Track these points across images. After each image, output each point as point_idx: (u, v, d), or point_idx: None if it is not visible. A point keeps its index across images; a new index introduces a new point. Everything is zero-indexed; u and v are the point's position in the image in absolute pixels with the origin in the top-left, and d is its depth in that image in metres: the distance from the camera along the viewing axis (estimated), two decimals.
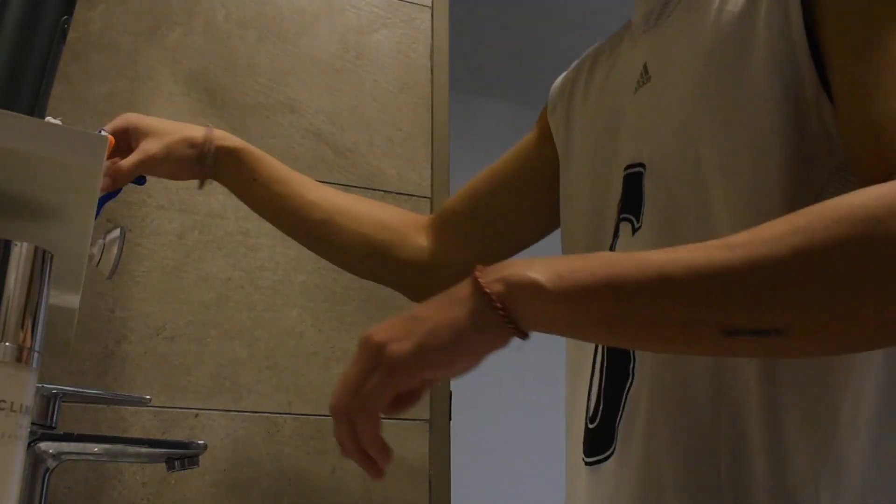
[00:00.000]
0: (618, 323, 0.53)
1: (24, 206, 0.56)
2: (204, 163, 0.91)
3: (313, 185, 0.95)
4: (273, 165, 0.94)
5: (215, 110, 1.30)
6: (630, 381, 0.67)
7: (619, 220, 0.71)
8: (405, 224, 0.94)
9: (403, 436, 1.27)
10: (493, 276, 0.53)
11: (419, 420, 1.29)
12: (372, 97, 1.42)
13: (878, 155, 0.53)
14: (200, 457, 0.96)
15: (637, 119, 0.71)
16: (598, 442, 0.69)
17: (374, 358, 0.55)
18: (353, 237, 0.92)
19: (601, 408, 0.70)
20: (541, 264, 0.53)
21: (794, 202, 0.58)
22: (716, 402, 0.61)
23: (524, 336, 0.53)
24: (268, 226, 1.29)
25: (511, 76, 3.11)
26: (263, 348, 1.23)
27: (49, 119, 0.65)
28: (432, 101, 1.46)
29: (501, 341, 0.53)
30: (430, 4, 1.52)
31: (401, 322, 0.55)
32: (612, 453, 0.67)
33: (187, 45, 1.32)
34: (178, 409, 1.16)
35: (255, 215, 1.28)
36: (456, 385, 1.29)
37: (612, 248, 0.72)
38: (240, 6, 1.37)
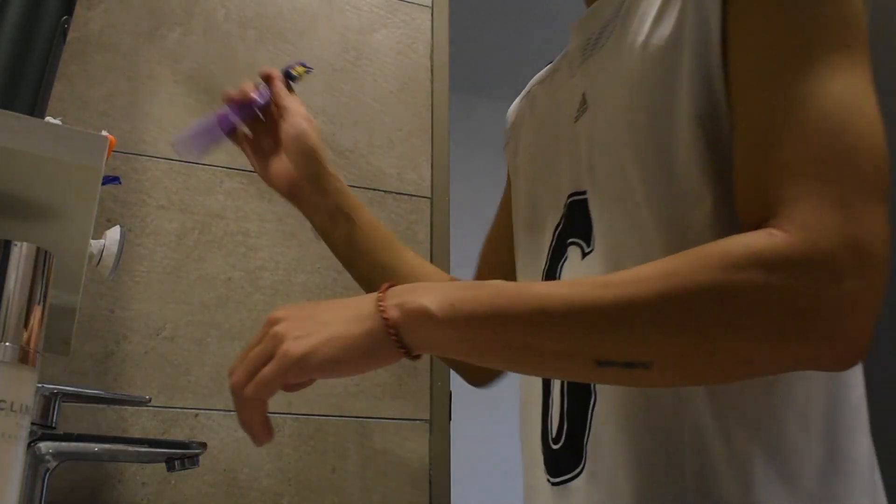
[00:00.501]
0: (500, 349, 0.57)
1: (24, 206, 0.56)
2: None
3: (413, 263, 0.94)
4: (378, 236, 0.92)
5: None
6: (594, 399, 0.69)
7: (568, 244, 0.74)
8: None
9: (403, 436, 1.27)
10: (392, 300, 0.58)
11: (419, 420, 1.29)
12: (372, 97, 1.42)
13: (755, 201, 0.56)
14: (200, 457, 0.96)
15: (577, 147, 0.73)
16: (564, 462, 0.71)
17: (271, 348, 0.60)
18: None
19: (565, 428, 0.72)
20: (435, 293, 0.58)
21: (716, 228, 0.61)
22: (678, 416, 0.63)
23: (415, 358, 0.58)
24: (268, 226, 1.29)
25: (511, 76, 3.10)
26: None
27: (49, 119, 0.65)
28: (432, 101, 1.46)
29: (392, 360, 0.58)
30: (430, 4, 1.52)
31: (305, 316, 0.60)
32: (581, 471, 0.69)
33: (187, 45, 1.32)
34: (178, 409, 1.16)
35: (255, 215, 1.28)
36: (456, 385, 1.29)
37: (558, 271, 0.75)
38: (240, 6, 1.37)
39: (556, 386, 0.74)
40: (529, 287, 0.58)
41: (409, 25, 1.49)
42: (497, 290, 0.58)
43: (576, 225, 0.73)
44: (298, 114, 0.87)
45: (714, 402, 0.61)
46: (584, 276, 0.59)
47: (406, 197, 1.39)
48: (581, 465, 0.69)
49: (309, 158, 0.87)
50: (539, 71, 0.89)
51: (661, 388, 0.64)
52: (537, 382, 0.77)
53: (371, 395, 1.27)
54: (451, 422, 1.32)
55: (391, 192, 1.38)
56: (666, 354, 0.55)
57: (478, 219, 1.32)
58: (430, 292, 0.57)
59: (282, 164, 0.88)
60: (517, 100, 0.91)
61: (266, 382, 0.60)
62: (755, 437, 0.61)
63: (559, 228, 0.75)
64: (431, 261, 1.37)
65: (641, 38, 0.66)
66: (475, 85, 3.14)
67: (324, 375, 0.58)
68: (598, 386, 0.69)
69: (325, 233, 0.91)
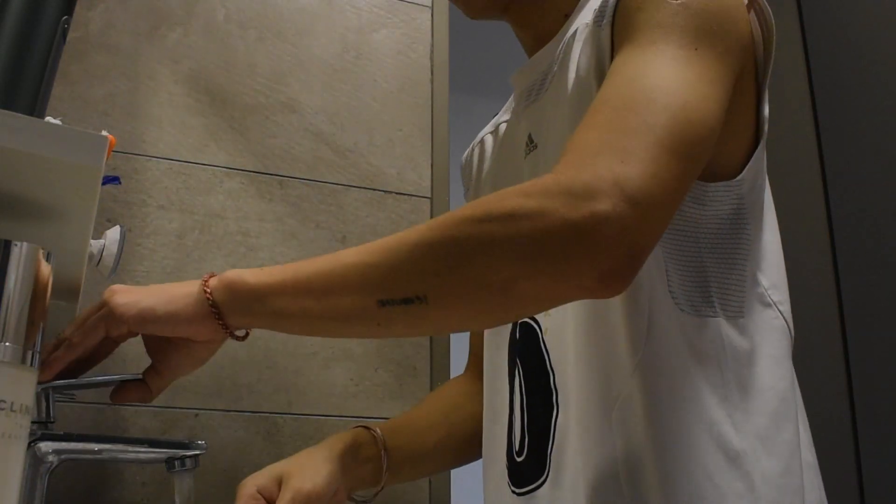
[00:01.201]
0: (303, 309, 0.65)
1: (24, 206, 0.56)
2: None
3: (426, 436, 0.95)
4: (403, 446, 0.93)
5: (215, 110, 1.30)
6: (556, 412, 0.75)
7: None
8: (467, 409, 0.97)
9: None
10: (215, 277, 0.69)
11: None
12: (372, 97, 1.42)
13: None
14: (200, 457, 0.96)
15: (527, 178, 0.81)
16: (528, 473, 0.77)
17: (101, 304, 0.69)
18: (460, 459, 0.97)
19: (527, 441, 0.77)
20: (251, 270, 0.68)
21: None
22: (619, 426, 0.68)
23: (227, 328, 0.68)
24: (268, 226, 1.29)
25: (510, 76, 3.10)
26: (263, 348, 1.23)
27: (49, 119, 0.65)
28: (432, 101, 1.46)
29: (207, 324, 0.68)
30: (430, 4, 1.52)
31: (133, 289, 0.70)
32: (545, 480, 0.74)
33: (187, 45, 1.32)
34: (178, 409, 1.16)
35: (255, 215, 1.28)
36: None
37: None
38: (240, 6, 1.37)
39: (517, 403, 0.80)
40: (321, 257, 0.66)
41: (409, 25, 1.49)
42: (298, 264, 0.66)
43: None
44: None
45: (637, 409, 0.67)
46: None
47: (406, 197, 1.39)
48: (545, 475, 0.75)
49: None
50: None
51: (598, 401, 0.69)
52: (503, 401, 0.83)
53: (371, 395, 1.27)
54: None
55: (391, 192, 1.38)
56: (438, 286, 0.59)
57: None
58: (248, 271, 0.68)
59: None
60: (468, 149, 1.00)
61: (88, 328, 0.69)
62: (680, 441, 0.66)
63: None
64: None
65: (571, 80, 0.75)
66: (475, 85, 3.14)
67: (143, 327, 0.68)
68: (559, 399, 0.75)
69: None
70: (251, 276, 0.67)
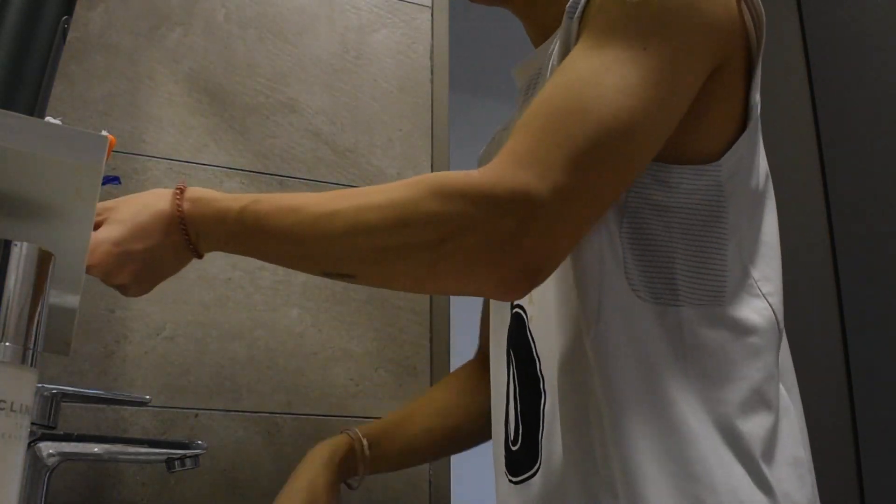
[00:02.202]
0: (256, 253, 0.75)
1: (24, 206, 0.56)
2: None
3: (417, 418, 1.01)
4: (396, 438, 0.99)
5: (215, 110, 1.30)
6: (543, 398, 0.76)
7: None
8: (474, 399, 1.00)
9: None
10: (186, 196, 0.76)
11: None
12: (372, 97, 1.42)
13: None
14: (200, 457, 0.96)
15: None
16: (522, 461, 0.78)
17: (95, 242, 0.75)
18: (465, 442, 1.02)
19: (520, 430, 0.79)
20: (225, 197, 0.75)
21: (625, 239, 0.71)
22: (583, 402, 0.70)
23: (197, 254, 0.77)
24: None
25: (511, 76, 3.10)
26: (263, 348, 1.23)
27: (49, 119, 0.65)
28: (432, 101, 1.46)
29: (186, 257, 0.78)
30: (430, 4, 1.52)
31: (114, 256, 0.75)
32: (538, 468, 0.75)
33: (187, 45, 1.32)
34: (178, 409, 1.16)
35: None
36: None
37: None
38: (240, 6, 1.37)
39: (511, 392, 0.81)
40: (285, 207, 0.71)
41: (409, 25, 1.49)
42: (257, 201, 0.72)
43: None
44: None
45: (599, 392, 0.68)
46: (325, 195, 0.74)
47: None
48: (538, 463, 0.75)
49: None
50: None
51: (572, 387, 0.71)
52: (503, 391, 0.84)
53: (371, 395, 1.27)
54: None
55: None
56: (364, 272, 0.68)
57: None
58: (221, 196, 0.75)
59: None
60: (484, 147, 1.02)
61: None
62: (644, 424, 0.67)
63: None
64: None
65: (550, 73, 0.76)
66: (475, 85, 3.14)
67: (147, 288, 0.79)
68: (545, 386, 0.76)
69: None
70: (213, 209, 0.74)
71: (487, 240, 0.60)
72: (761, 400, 0.68)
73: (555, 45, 0.79)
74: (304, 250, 0.70)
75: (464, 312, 1.47)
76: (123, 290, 0.79)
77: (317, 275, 0.73)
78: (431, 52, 1.49)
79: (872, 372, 1.54)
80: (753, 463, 0.66)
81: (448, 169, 1.45)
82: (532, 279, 0.62)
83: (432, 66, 1.48)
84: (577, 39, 0.69)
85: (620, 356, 0.67)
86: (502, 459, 0.81)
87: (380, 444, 0.95)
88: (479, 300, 1.00)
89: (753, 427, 0.67)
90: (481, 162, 1.01)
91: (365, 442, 0.93)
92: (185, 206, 0.75)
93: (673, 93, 0.65)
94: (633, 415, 0.66)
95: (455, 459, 1.31)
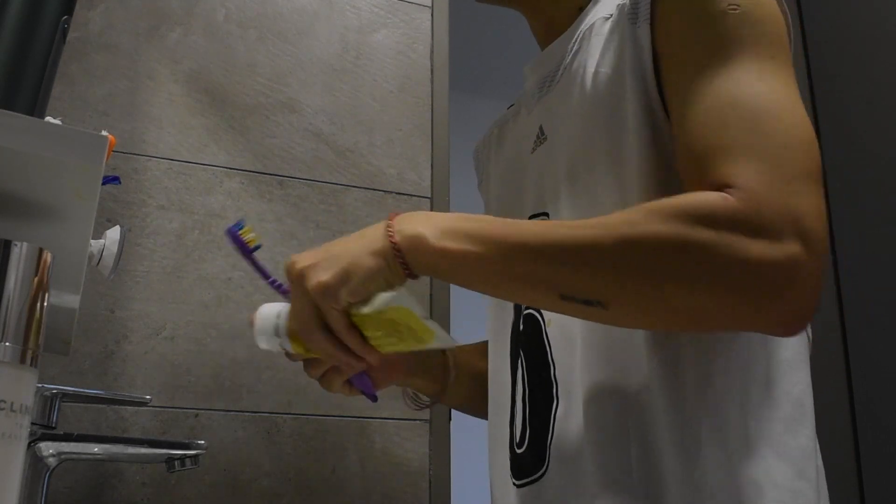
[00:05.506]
0: (480, 275, 0.65)
1: (24, 206, 0.56)
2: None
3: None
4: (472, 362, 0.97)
5: (215, 110, 1.30)
6: (556, 404, 0.75)
7: None
8: None
9: (403, 436, 1.27)
10: (397, 227, 0.67)
11: (419, 420, 1.29)
12: (372, 97, 1.42)
13: (693, 171, 0.63)
14: (200, 457, 0.96)
15: (537, 175, 0.82)
16: (528, 464, 0.77)
17: (300, 286, 0.67)
18: None
19: (528, 433, 0.78)
20: (432, 220, 0.67)
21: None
22: (624, 408, 0.69)
23: (414, 277, 0.67)
24: (268, 226, 1.29)
25: (511, 76, 3.10)
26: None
27: (49, 119, 0.65)
28: (432, 101, 1.46)
29: (397, 280, 0.67)
30: (430, 4, 1.52)
31: (322, 255, 0.68)
32: (545, 472, 0.75)
33: (187, 45, 1.32)
34: (178, 409, 1.16)
35: (255, 215, 1.28)
36: None
37: None
38: (240, 6, 1.37)
39: (519, 395, 0.80)
40: (513, 223, 0.65)
41: (409, 25, 1.49)
42: (484, 224, 0.66)
43: None
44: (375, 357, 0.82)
45: (666, 394, 0.67)
46: (559, 221, 0.69)
47: (406, 197, 1.39)
48: (544, 467, 0.75)
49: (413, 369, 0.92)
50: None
51: (610, 391, 0.69)
52: (507, 393, 0.83)
53: None
54: (451, 422, 1.32)
55: (391, 192, 1.38)
56: (620, 296, 0.60)
57: None
58: (430, 219, 0.67)
59: (379, 368, 0.86)
60: (480, 140, 1.00)
61: (323, 315, 0.68)
62: (706, 417, 0.66)
63: None
64: None
65: (591, 73, 0.75)
66: (475, 85, 3.14)
67: (352, 297, 0.66)
68: (559, 391, 0.75)
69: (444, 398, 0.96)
70: (431, 235, 0.65)
71: (782, 270, 0.57)
72: (803, 414, 0.69)
73: (575, 44, 0.78)
74: (534, 275, 0.63)
75: (464, 313, 1.47)
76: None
77: (549, 304, 0.66)
78: (431, 52, 1.49)
79: (872, 372, 1.54)
80: (803, 478, 0.66)
81: (447, 168, 1.45)
82: (817, 305, 0.59)
83: (432, 66, 1.48)
84: (651, 49, 0.69)
85: (691, 371, 0.67)
86: (506, 461, 0.81)
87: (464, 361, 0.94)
88: (478, 306, 0.99)
89: (802, 441, 0.68)
90: (477, 155, 1.00)
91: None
92: (398, 238, 0.67)
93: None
94: (696, 429, 0.65)
95: (455, 459, 1.31)
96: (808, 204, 0.58)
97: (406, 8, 1.50)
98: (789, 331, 0.61)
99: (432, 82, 1.47)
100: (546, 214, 0.80)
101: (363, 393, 0.85)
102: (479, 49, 2.94)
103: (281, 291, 0.78)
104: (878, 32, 1.63)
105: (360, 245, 0.67)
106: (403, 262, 0.65)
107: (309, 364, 0.77)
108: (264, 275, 0.79)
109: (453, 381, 0.93)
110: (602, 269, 0.60)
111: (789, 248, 0.56)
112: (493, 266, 0.64)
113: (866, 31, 1.66)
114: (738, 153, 0.60)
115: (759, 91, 0.63)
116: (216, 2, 1.35)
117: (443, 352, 0.94)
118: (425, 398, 0.96)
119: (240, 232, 0.77)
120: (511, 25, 0.98)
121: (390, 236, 0.66)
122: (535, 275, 0.62)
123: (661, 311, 0.61)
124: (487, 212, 0.95)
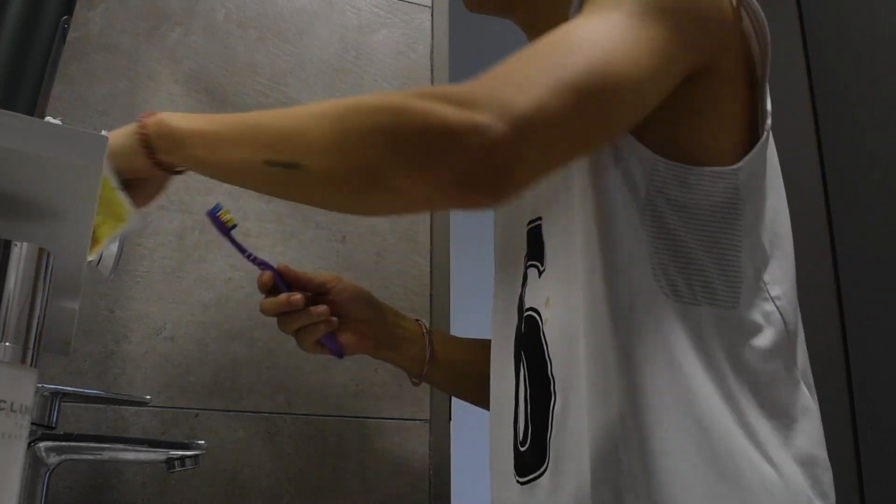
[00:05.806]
0: (211, 150, 0.72)
1: (24, 206, 0.56)
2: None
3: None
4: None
5: (215, 110, 1.30)
6: (553, 400, 0.76)
7: (527, 268, 0.84)
8: None
9: (403, 435, 1.27)
10: (150, 118, 0.77)
11: (419, 420, 1.29)
12: None
13: None
14: (200, 457, 0.96)
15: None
16: (530, 462, 0.78)
17: None
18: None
19: (530, 431, 0.79)
20: (185, 115, 0.76)
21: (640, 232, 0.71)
22: (620, 402, 0.69)
23: (159, 164, 0.77)
24: (268, 226, 1.29)
25: None
26: (263, 348, 1.23)
27: (49, 119, 0.65)
28: None
29: (141, 162, 0.77)
30: (430, 4, 1.52)
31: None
32: (546, 469, 0.76)
33: (187, 45, 1.32)
34: (178, 409, 1.16)
35: (254, 215, 1.28)
36: None
37: (522, 292, 0.84)
38: (240, 6, 1.37)
39: (521, 394, 0.81)
40: (232, 116, 0.72)
41: (409, 25, 1.49)
42: (225, 115, 0.74)
43: (533, 249, 0.83)
44: (328, 279, 0.99)
45: (635, 396, 0.68)
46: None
47: None
48: (545, 464, 0.76)
49: (366, 303, 1.00)
50: None
51: (605, 386, 0.70)
52: (509, 393, 0.84)
53: (371, 394, 1.27)
54: (451, 422, 1.32)
55: None
56: (316, 158, 0.63)
57: (477, 219, 1.32)
58: (180, 116, 0.75)
59: (351, 334, 0.99)
60: None
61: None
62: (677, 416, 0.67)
63: (525, 255, 0.84)
64: (431, 261, 1.37)
65: None
66: None
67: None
68: (556, 387, 0.76)
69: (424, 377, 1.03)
70: (179, 119, 0.75)
71: (454, 132, 0.57)
72: (773, 403, 0.70)
73: None
74: (244, 139, 0.69)
75: (464, 313, 1.47)
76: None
77: (256, 173, 0.70)
78: (431, 52, 1.49)
79: (872, 372, 1.54)
80: (772, 462, 0.67)
81: None
82: (500, 182, 0.58)
83: (432, 66, 1.48)
84: None
85: (653, 354, 0.68)
86: (510, 460, 0.82)
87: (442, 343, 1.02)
88: (478, 306, 1.01)
89: (769, 427, 0.69)
90: None
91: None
92: (149, 120, 0.77)
93: (661, 67, 0.65)
94: (663, 413, 0.67)
95: (455, 459, 1.31)
96: (534, 97, 0.58)
97: (406, 8, 1.50)
98: (463, 199, 0.60)
99: (432, 82, 1.47)
100: (540, 219, 0.81)
101: (330, 351, 0.98)
102: (479, 49, 2.94)
103: (258, 264, 0.95)
104: (878, 32, 1.63)
105: (119, 130, 0.78)
106: (147, 139, 0.75)
107: (282, 321, 0.91)
108: (241, 249, 0.95)
109: (429, 367, 0.99)
110: (304, 134, 0.64)
111: (476, 117, 0.56)
112: (223, 142, 0.71)
113: (866, 31, 1.66)
114: (515, 57, 0.62)
115: (583, 29, 0.64)
116: (216, 2, 1.35)
117: (421, 333, 1.01)
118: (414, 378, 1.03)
119: (218, 213, 0.92)
120: (511, 26, 0.98)
121: (140, 121, 0.77)
122: (242, 143, 0.69)
123: (349, 176, 0.62)
124: (494, 222, 0.97)
